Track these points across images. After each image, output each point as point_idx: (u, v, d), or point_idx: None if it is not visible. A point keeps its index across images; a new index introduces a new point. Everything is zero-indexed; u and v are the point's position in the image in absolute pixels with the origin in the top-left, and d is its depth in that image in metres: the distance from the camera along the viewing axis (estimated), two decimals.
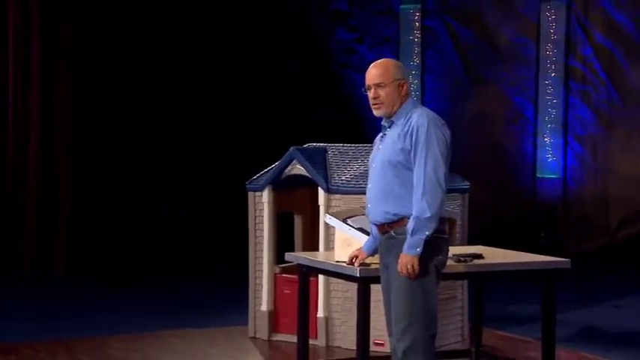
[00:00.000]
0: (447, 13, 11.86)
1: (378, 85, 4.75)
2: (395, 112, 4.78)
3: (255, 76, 11.23)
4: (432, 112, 4.74)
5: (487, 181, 11.27)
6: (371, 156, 4.95)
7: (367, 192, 4.89)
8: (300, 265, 5.78)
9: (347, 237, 5.26)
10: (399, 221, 4.67)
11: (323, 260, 5.64)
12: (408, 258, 4.55)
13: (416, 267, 4.54)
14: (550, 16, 11.17)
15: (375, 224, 4.81)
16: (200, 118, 11.04)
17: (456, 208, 7.22)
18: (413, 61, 11.72)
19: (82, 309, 8.67)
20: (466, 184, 7.35)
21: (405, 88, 4.78)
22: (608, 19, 11.05)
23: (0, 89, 10.28)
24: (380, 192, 4.75)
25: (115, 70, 10.60)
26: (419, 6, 11.82)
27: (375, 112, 4.81)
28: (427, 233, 4.54)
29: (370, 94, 4.79)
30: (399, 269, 4.58)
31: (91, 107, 10.41)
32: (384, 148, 4.78)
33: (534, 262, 5.65)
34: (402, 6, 11.86)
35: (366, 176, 4.97)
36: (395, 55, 11.57)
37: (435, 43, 11.95)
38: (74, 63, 10.19)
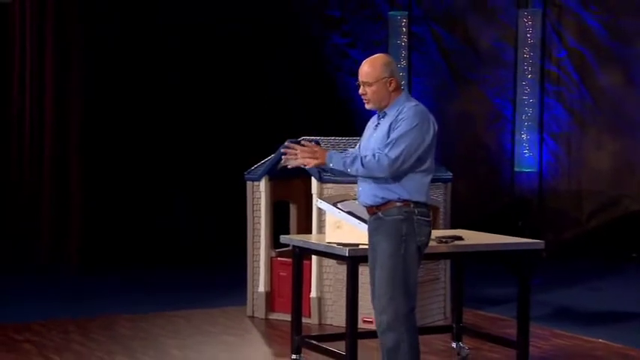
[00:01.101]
0: (432, 19, 11.84)
1: (365, 83, 4.76)
2: (387, 105, 4.76)
3: (256, 77, 11.20)
4: (421, 107, 4.72)
5: (469, 175, 11.29)
6: (364, 141, 4.90)
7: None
8: (293, 247, 5.77)
9: (337, 220, 5.26)
10: (387, 204, 4.69)
11: (315, 242, 5.64)
12: (322, 154, 4.71)
13: (316, 160, 4.73)
14: (527, 22, 11.15)
15: (365, 206, 4.83)
16: (205, 114, 11.00)
17: (439, 196, 7.23)
18: (400, 64, 11.70)
19: (93, 292, 8.66)
20: (449, 175, 7.36)
21: (393, 84, 4.75)
22: (580, 25, 11.03)
23: (18, 90, 10.29)
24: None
25: (123, 70, 10.56)
26: (406, 13, 11.80)
27: (366, 106, 4.83)
28: (342, 168, 4.68)
29: (360, 90, 4.82)
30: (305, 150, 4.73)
31: (100, 107, 10.37)
32: (377, 137, 4.75)
33: (510, 243, 5.67)
34: (391, 13, 11.85)
35: None
36: None
37: (421, 46, 11.95)
38: (85, 64, 10.15)
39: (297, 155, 4.81)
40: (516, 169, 11.25)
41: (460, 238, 5.52)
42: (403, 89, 4.87)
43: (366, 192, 4.79)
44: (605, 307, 7.95)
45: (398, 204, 4.66)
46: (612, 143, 10.94)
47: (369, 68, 4.77)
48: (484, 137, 11.68)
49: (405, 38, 11.84)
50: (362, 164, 4.63)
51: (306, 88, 11.67)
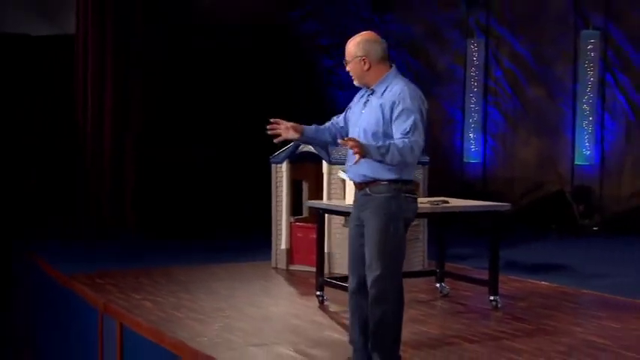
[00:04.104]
0: (401, 47, 11.87)
1: (345, 61, 4.01)
2: (372, 82, 3.94)
3: (273, 88, 11.14)
4: (411, 85, 3.93)
5: (430, 166, 11.31)
6: (353, 115, 4.03)
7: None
8: (318, 209, 5.77)
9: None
10: (374, 182, 3.90)
11: (337, 204, 5.66)
12: (363, 147, 3.69)
13: (359, 153, 3.68)
14: (473, 49, 11.25)
15: (353, 181, 4.07)
16: (236, 113, 10.84)
17: (419, 175, 7.26)
18: None
19: (154, 250, 8.58)
20: (426, 159, 7.37)
21: (367, 63, 3.90)
22: (512, 51, 11.14)
23: (81, 86, 10.17)
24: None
25: (170, 81, 10.44)
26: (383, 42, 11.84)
27: (354, 82, 4.06)
28: (380, 158, 3.74)
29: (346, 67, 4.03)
30: (349, 144, 3.72)
31: (155, 98, 10.20)
32: (367, 115, 3.92)
33: (486, 205, 5.73)
34: None
35: None
36: None
37: None
38: (140, 77, 10.06)
39: (282, 130, 4.07)
40: (465, 160, 11.35)
41: (447, 202, 5.56)
42: (392, 66, 3.99)
43: (355, 170, 3.94)
44: (539, 261, 8.03)
45: (386, 182, 3.87)
46: (537, 141, 11.05)
47: (347, 46, 3.97)
48: (440, 137, 11.75)
49: None
50: (399, 153, 3.73)
51: (303, 99, 11.63)
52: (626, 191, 10.51)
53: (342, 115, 4.20)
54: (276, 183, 7.39)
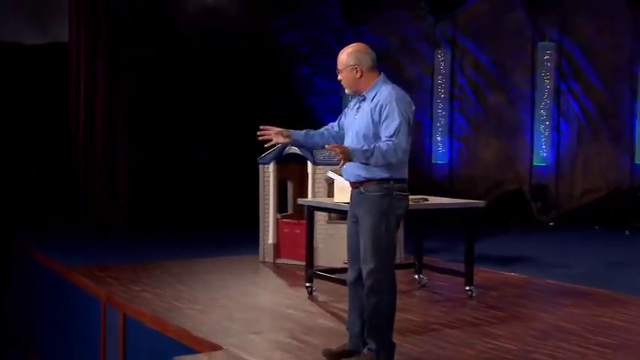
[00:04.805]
0: None
1: (338, 70, 3.98)
2: (364, 89, 3.92)
3: (257, 96, 11.08)
4: (398, 90, 3.91)
5: None
6: (347, 121, 4.03)
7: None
8: (308, 206, 5.77)
9: (343, 185, 5.23)
10: (367, 181, 3.91)
11: (326, 201, 5.66)
12: (347, 152, 3.75)
13: (343, 158, 3.76)
14: (440, 59, 11.33)
15: (348, 180, 4.07)
16: (226, 117, 10.75)
17: None
18: None
19: (148, 245, 8.51)
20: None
21: (359, 71, 3.88)
22: (475, 61, 11.25)
23: (74, 91, 10.02)
24: None
25: (159, 82, 10.28)
26: None
27: (345, 91, 4.04)
28: (365, 161, 3.79)
29: (338, 76, 4.01)
30: (335, 151, 3.78)
31: (145, 102, 10.07)
32: (359, 119, 3.92)
33: (462, 202, 5.78)
34: None
35: None
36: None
37: None
38: (135, 72, 9.90)
39: (272, 135, 4.07)
40: (433, 161, 11.41)
41: (427, 200, 5.60)
42: (380, 73, 3.97)
43: (350, 170, 3.95)
44: (504, 254, 8.09)
45: (378, 181, 3.86)
46: (497, 143, 11.16)
47: (340, 56, 3.94)
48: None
49: None
50: (382, 156, 3.76)
51: (282, 105, 11.61)
52: (577, 190, 10.68)
53: (336, 122, 4.20)
54: (264, 182, 7.37)
